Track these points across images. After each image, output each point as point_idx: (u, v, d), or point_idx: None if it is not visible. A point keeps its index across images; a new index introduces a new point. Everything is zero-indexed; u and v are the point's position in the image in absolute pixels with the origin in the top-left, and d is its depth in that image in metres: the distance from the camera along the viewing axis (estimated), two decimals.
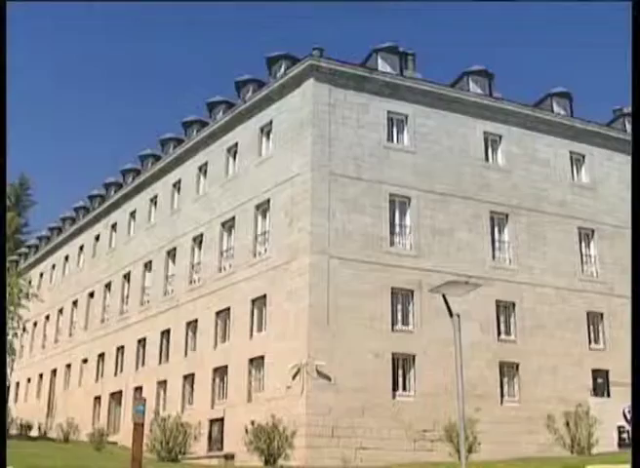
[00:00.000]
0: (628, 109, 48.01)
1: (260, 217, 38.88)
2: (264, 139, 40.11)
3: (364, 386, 33.25)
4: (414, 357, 35.22)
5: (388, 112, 38.40)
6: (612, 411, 36.32)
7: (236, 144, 41.93)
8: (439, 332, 33.64)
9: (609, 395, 39.00)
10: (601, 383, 39.19)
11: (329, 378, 32.81)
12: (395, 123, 38.75)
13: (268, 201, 38.02)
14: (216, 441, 36.82)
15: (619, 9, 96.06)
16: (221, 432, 36.61)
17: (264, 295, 36.42)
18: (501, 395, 36.84)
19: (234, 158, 42.32)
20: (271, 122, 39.40)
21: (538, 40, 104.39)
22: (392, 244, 36.60)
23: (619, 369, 39.25)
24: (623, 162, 44.26)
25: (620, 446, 35.96)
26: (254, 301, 37.19)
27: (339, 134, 36.68)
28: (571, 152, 43.22)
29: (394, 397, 34.29)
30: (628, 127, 46.78)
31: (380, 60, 39.85)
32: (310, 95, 36.95)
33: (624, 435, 36.63)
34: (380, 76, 38.48)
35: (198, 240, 43.58)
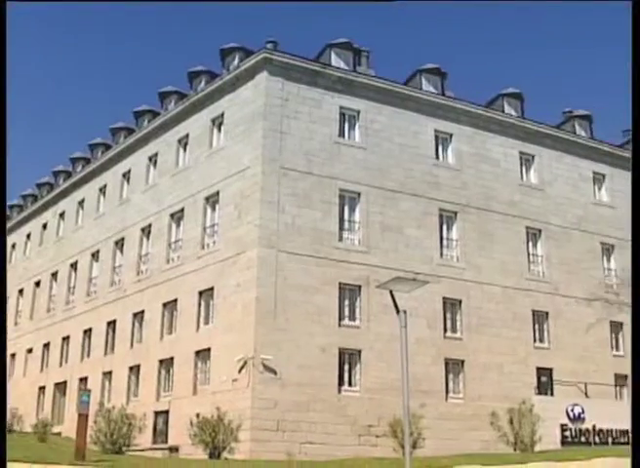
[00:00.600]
0: (578, 112, 48.59)
1: (209, 210, 38.75)
2: (216, 131, 39.99)
3: (310, 381, 33.32)
4: (360, 352, 35.34)
5: (340, 108, 38.46)
6: (555, 410, 36.75)
7: (187, 135, 41.76)
8: (386, 328, 33.86)
9: (552, 393, 39.47)
10: (545, 382, 39.62)
11: (275, 372, 32.82)
12: (347, 118, 38.84)
13: (218, 193, 37.91)
14: (160, 433, 36.68)
15: (570, 9, 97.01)
16: (166, 424, 36.47)
17: (212, 288, 36.33)
18: (446, 391, 37.12)
19: (185, 149, 42.13)
20: (223, 114, 39.28)
21: (491, 40, 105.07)
22: (341, 239, 36.68)
23: (562, 367, 39.86)
24: (572, 163, 44.92)
25: (562, 443, 36.42)
26: (201, 293, 37.10)
27: (290, 128, 36.68)
28: (521, 152, 43.62)
29: (340, 392, 34.40)
30: (578, 129, 47.38)
31: (333, 56, 39.91)
32: (263, 88, 36.89)
33: (567, 433, 37.13)
34: (333, 71, 38.52)
35: (147, 231, 43.32)
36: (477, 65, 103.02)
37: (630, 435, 7.98)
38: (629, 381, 41.93)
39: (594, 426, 37.83)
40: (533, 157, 44.03)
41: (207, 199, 38.65)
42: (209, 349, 35.47)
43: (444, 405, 36.36)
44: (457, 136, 41.52)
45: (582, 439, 37.32)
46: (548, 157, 44.48)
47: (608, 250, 45.02)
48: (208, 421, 28.80)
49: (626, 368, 42.23)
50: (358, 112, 38.89)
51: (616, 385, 42.20)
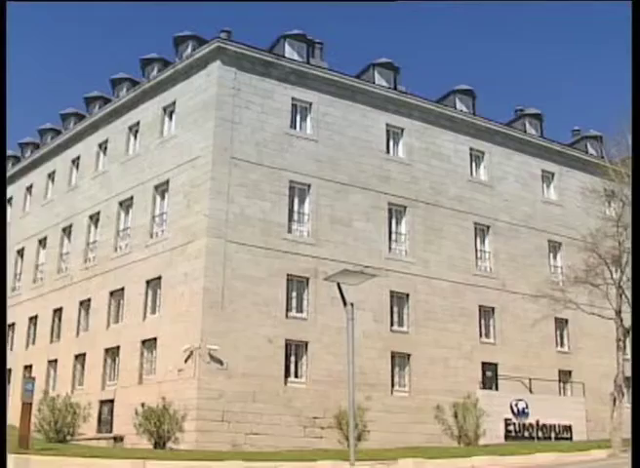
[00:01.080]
0: (529, 110, 49.01)
1: (158, 198, 38.51)
2: (167, 120, 39.75)
3: (256, 372, 33.29)
4: (307, 344, 35.39)
5: (293, 99, 38.41)
6: (499, 404, 37.19)
7: (138, 123, 41.47)
8: (333, 321, 33.95)
9: (497, 388, 39.83)
10: (490, 376, 39.97)
11: (221, 363, 32.76)
12: (299, 110, 38.80)
13: (168, 182, 37.69)
14: (105, 422, 36.46)
15: (524, 5, 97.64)
16: (112, 414, 36.24)
17: (160, 277, 36.15)
18: (392, 385, 37.27)
19: (135, 137, 41.83)
20: (175, 102, 39.05)
21: (445, 36, 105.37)
22: (290, 231, 36.68)
23: (507, 362, 40.25)
24: (522, 161, 45.33)
25: (506, 438, 36.84)
26: (149, 282, 36.90)
27: (242, 118, 36.55)
28: (471, 149, 43.90)
29: (286, 383, 34.41)
30: (529, 127, 47.81)
31: (287, 47, 39.83)
32: (216, 77, 36.72)
33: (511, 427, 37.56)
34: (286, 63, 38.44)
35: (95, 218, 42.94)
36: (430, 61, 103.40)
37: (631, 435, 8.09)
38: (574, 377, 42.56)
39: (538, 421, 38.30)
40: (483, 154, 44.33)
41: (156, 187, 38.41)
42: (155, 339, 35.32)
43: (390, 398, 36.53)
44: (408, 131, 41.65)
45: (526, 434, 37.78)
46: (498, 154, 44.81)
47: (555, 247, 45.48)
48: (153, 411, 28.73)
49: (570, 364, 42.87)
50: (310, 104, 38.87)
51: (559, 381, 42.67)
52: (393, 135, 41.45)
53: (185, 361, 32.73)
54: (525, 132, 47.14)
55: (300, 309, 35.96)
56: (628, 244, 31.84)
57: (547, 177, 46.90)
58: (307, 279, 36.12)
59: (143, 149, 40.39)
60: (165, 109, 39.72)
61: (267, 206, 36.02)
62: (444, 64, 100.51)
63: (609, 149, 37.59)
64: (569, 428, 39.44)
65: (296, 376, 35.02)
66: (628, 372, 35.87)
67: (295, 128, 38.37)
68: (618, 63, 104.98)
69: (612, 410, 30.38)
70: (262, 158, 36.48)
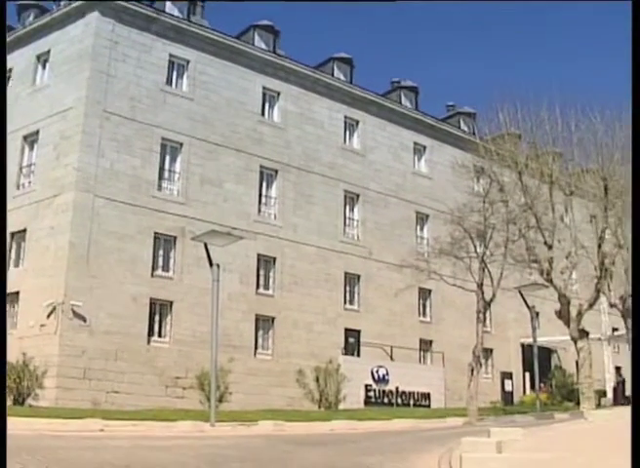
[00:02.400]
0: (405, 83, 49.54)
1: (27, 149, 37.45)
2: (41, 69, 38.62)
3: (119, 329, 32.95)
4: (171, 303, 35.19)
5: (170, 56, 37.86)
6: (361, 370, 37.76)
7: (11, 70, 40.21)
8: (199, 281, 33.83)
9: (359, 354, 40.38)
10: (353, 343, 40.51)
11: (84, 319, 32.28)
12: (176, 67, 38.28)
13: (38, 132, 36.70)
14: None
15: None
16: None
17: (25, 230, 35.26)
18: (256, 347, 37.43)
19: (7, 84, 40.60)
20: (49, 51, 37.97)
21: (329, 4, 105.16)
22: (160, 189, 36.28)
23: (370, 330, 40.84)
24: (395, 132, 45.83)
25: (366, 403, 37.45)
26: (13, 235, 35.94)
27: (118, 71, 35.84)
28: (346, 117, 44.14)
29: (149, 342, 34.20)
30: (404, 100, 48.31)
31: (168, 3, 39.17)
32: (93, 28, 35.84)
33: (371, 393, 38.21)
34: (166, 18, 37.81)
35: None
36: (311, 28, 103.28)
37: (630, 435, 8.22)
38: (435, 347, 43.47)
39: (397, 388, 39.07)
40: (357, 123, 44.63)
41: (25, 138, 37.32)
42: (17, 292, 34.42)
43: (252, 360, 36.66)
44: (284, 95, 41.59)
45: (385, 400, 38.52)
46: (373, 124, 45.18)
47: (422, 219, 46.23)
48: (13, 367, 28.11)
49: (431, 333, 43.80)
50: (188, 62, 38.38)
51: (420, 350, 43.57)
52: (269, 98, 41.34)
53: (48, 316, 32.10)
54: (400, 104, 47.63)
55: (166, 268, 35.69)
56: (493, 219, 32.70)
57: (419, 150, 47.55)
58: (175, 238, 35.84)
59: (14, 98, 39.11)
60: (39, 58, 38.58)
61: (138, 162, 35.53)
62: (325, 31, 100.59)
63: (481, 126, 38.39)
64: (427, 396, 40.36)
65: (159, 336, 34.82)
66: (486, 344, 37.10)
67: (171, 85, 37.86)
68: (496, 44, 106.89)
69: (469, 380, 31.17)
70: (136, 113, 35.91)
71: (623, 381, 46.86)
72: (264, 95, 41.03)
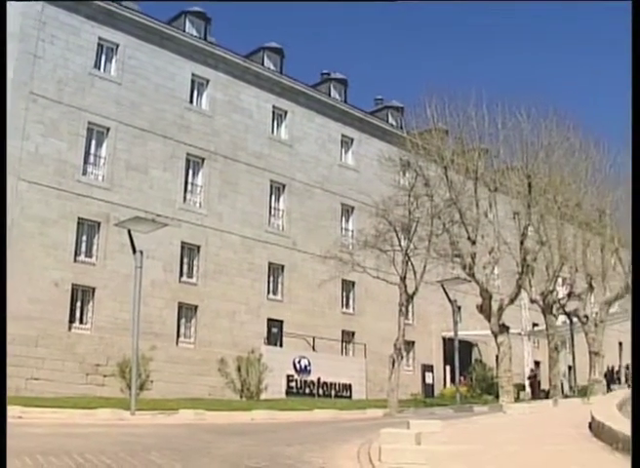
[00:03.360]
0: (335, 75, 49.64)
1: None
2: None
3: (40, 315, 32.51)
4: (94, 290, 34.84)
5: (100, 39, 37.36)
6: (283, 361, 37.81)
7: None
8: (122, 268, 33.54)
9: (282, 345, 40.42)
10: (275, 333, 40.55)
11: None
12: (105, 51, 37.82)
13: None
14: None
15: None
16: None
17: None
18: (178, 335, 37.27)
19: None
20: None
21: None
22: (85, 173, 35.87)
23: (293, 320, 40.92)
24: (323, 124, 45.91)
25: (287, 394, 37.53)
26: None
27: (45, 53, 35.28)
28: (274, 107, 44.08)
29: (70, 329, 33.83)
30: (333, 92, 48.40)
31: None
32: (21, 7, 35.20)
33: (293, 384, 38.28)
34: (96, 0, 37.26)
35: None
36: (244, 16, 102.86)
37: (631, 434, 8.30)
38: (357, 338, 43.70)
39: (319, 379, 39.20)
40: (285, 113, 44.62)
41: None
42: None
43: (174, 348, 36.49)
44: (213, 83, 41.39)
45: (307, 390, 38.62)
46: (301, 115, 45.21)
47: (348, 211, 46.40)
48: None
49: (354, 325, 44.03)
50: (117, 46, 37.94)
51: (343, 341, 43.76)
52: (198, 85, 41.09)
53: None
54: (329, 96, 47.73)
55: (89, 254, 35.32)
56: (418, 213, 32.92)
57: (347, 142, 47.71)
58: (99, 224, 35.48)
59: None
60: None
61: (64, 146, 35.08)
62: (257, 21, 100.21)
63: (409, 121, 38.64)
64: (349, 387, 40.57)
65: (81, 322, 34.46)
66: (408, 337, 37.42)
67: (99, 68, 37.42)
68: (426, 40, 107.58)
69: (390, 372, 31.37)
70: (63, 96, 35.43)
71: (535, 375, 47.80)
72: (193, 82, 40.78)
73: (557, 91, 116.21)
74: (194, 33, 41.47)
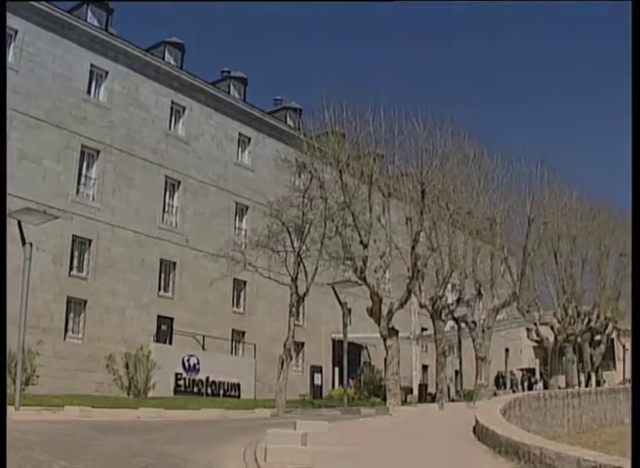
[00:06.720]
0: (236, 73, 49.59)
1: None
2: None
3: None
4: None
5: None
6: (172, 358, 37.64)
7: None
8: (10, 259, 32.77)
9: (171, 342, 40.21)
10: (165, 330, 40.32)
11: None
12: None
13: None
14: None
15: None
16: None
17: None
18: (66, 330, 36.62)
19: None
20: None
21: None
22: None
23: (183, 318, 40.75)
24: (221, 122, 45.86)
25: (175, 392, 37.33)
26: None
27: None
28: (173, 102, 43.85)
29: None
30: (233, 90, 48.32)
31: None
32: None
33: (181, 382, 38.11)
34: None
35: None
36: (148, 9, 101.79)
37: (631, 434, 8.38)
38: (247, 338, 43.60)
39: (208, 378, 39.12)
40: (184, 109, 44.41)
41: None
42: None
43: (62, 343, 35.89)
44: (112, 75, 40.90)
45: (195, 389, 38.51)
46: (199, 112, 45.07)
47: (242, 210, 46.42)
48: None
49: (244, 324, 44.04)
50: (16, 32, 37.03)
51: (233, 340, 43.74)
52: (97, 76, 40.53)
53: None
54: (229, 94, 47.64)
55: None
56: (312, 215, 33.11)
57: (244, 141, 47.71)
58: None
59: None
60: None
61: None
62: (160, 15, 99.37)
63: (306, 123, 38.76)
64: (237, 386, 40.57)
65: None
66: (298, 338, 37.59)
67: None
68: (327, 43, 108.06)
69: (279, 373, 31.49)
70: None
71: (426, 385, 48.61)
72: (92, 73, 40.19)
73: (455, 100, 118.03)
74: (96, 24, 40.87)
